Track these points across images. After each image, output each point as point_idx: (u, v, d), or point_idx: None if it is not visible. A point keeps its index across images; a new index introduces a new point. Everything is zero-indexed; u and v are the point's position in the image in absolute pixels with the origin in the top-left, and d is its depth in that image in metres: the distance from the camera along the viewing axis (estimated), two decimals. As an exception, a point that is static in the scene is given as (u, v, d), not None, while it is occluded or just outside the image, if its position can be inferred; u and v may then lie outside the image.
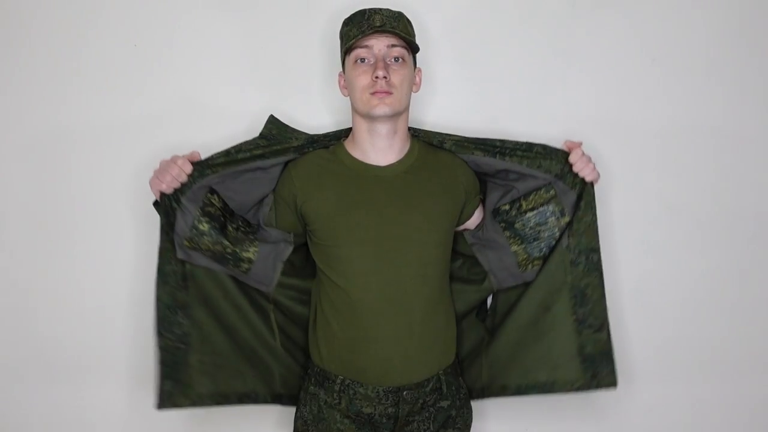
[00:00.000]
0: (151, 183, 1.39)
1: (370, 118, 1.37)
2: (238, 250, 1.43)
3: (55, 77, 1.65)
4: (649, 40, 1.73)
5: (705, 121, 1.76)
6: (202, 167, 1.40)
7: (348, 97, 1.44)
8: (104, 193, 1.67)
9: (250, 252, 1.44)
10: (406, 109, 1.42)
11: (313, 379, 1.45)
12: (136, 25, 1.65)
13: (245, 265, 1.44)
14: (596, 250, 1.48)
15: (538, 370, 1.48)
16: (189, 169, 1.38)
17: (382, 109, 1.34)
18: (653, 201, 1.77)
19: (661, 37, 1.74)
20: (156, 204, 1.42)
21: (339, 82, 1.46)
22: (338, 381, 1.40)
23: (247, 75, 1.68)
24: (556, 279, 1.48)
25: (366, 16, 1.36)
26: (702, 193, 1.77)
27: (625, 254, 1.75)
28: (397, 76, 1.35)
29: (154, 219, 1.43)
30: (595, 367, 1.46)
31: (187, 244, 1.41)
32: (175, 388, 1.40)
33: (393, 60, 1.36)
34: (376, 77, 1.33)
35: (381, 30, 1.33)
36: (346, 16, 1.41)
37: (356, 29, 1.35)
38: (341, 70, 1.45)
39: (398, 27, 1.36)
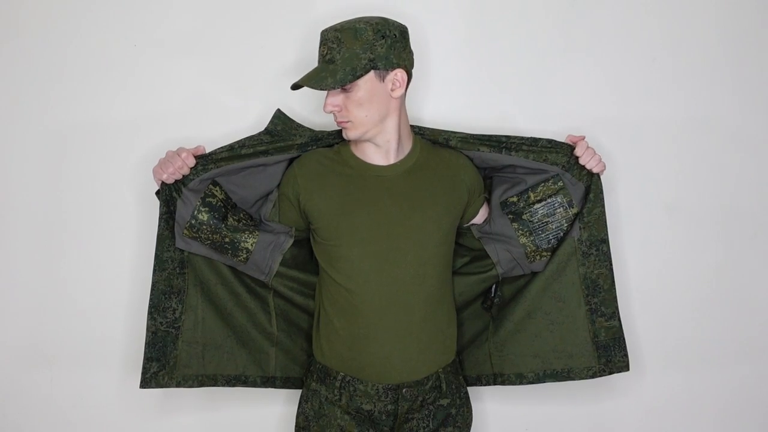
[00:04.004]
0: (154, 171, 1.41)
1: None
2: (236, 240, 1.44)
3: (55, 76, 1.66)
4: (650, 39, 1.72)
5: (706, 120, 1.74)
6: (205, 161, 1.42)
7: None
8: (107, 190, 1.68)
9: (249, 242, 1.45)
10: (386, 118, 1.38)
11: (314, 376, 1.46)
12: (136, 25, 1.66)
13: (243, 255, 1.46)
14: (606, 240, 1.51)
15: (554, 360, 1.52)
16: (192, 162, 1.41)
17: (346, 134, 1.39)
18: (655, 199, 1.76)
19: (662, 36, 1.72)
20: (158, 193, 1.45)
21: None
22: (339, 377, 1.42)
23: (250, 73, 1.68)
24: (567, 271, 1.51)
25: (320, 41, 1.37)
26: (703, 192, 1.77)
27: (629, 251, 1.75)
28: (346, 107, 1.35)
29: (157, 208, 1.45)
30: (608, 354, 1.51)
31: (186, 233, 1.44)
32: (161, 369, 1.45)
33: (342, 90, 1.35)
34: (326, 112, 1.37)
35: (299, 87, 1.36)
36: (351, 11, 1.40)
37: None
38: None
39: (326, 70, 1.32)
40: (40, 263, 1.69)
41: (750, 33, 1.74)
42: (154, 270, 1.44)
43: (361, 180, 1.41)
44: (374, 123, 1.37)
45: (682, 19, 1.72)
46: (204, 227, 1.42)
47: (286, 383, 1.56)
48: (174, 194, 1.42)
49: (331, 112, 1.36)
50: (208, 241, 1.44)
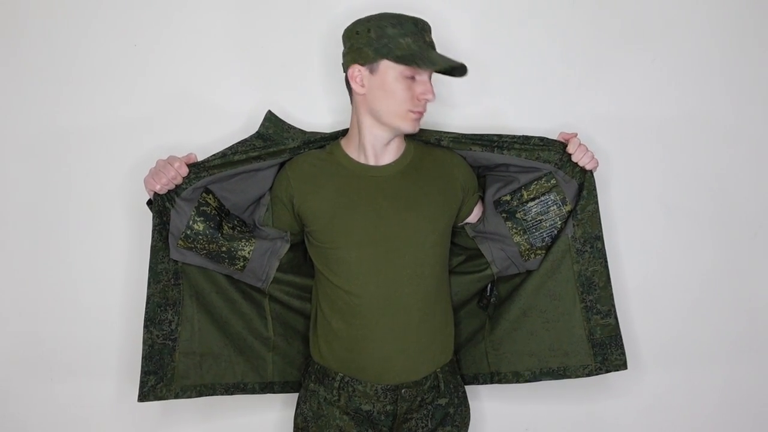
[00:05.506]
0: (146, 182, 1.38)
1: (392, 128, 1.37)
2: (233, 249, 1.43)
3: (52, 77, 1.65)
4: (648, 39, 1.73)
5: (703, 118, 1.75)
6: (198, 169, 1.40)
7: (360, 94, 1.36)
8: (102, 192, 1.68)
9: (246, 250, 1.44)
10: None
11: (313, 377, 1.46)
12: (135, 25, 1.66)
13: (240, 263, 1.45)
14: (600, 237, 1.51)
15: (550, 358, 1.52)
16: (185, 171, 1.38)
17: (414, 127, 1.36)
18: (653, 199, 1.77)
19: (661, 36, 1.73)
20: (149, 203, 1.43)
21: (353, 76, 1.35)
22: (338, 378, 1.41)
23: (247, 75, 1.68)
24: (562, 268, 1.51)
25: (419, 27, 1.32)
26: (702, 191, 1.77)
27: (626, 250, 1.76)
28: None
29: (149, 218, 1.44)
30: (604, 352, 1.51)
31: (181, 243, 1.42)
32: (158, 382, 1.44)
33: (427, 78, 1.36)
34: (426, 99, 1.33)
35: (436, 57, 1.31)
36: (348, 14, 1.38)
37: (412, 41, 1.30)
38: (356, 63, 1.34)
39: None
40: (33, 273, 1.68)
41: (748, 32, 1.74)
42: (149, 282, 1.43)
43: (355, 181, 1.41)
44: None
45: (681, 19, 1.73)
46: (200, 237, 1.41)
47: (284, 387, 1.56)
48: (167, 204, 1.39)
49: (431, 100, 1.35)
50: (204, 251, 1.43)
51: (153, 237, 1.42)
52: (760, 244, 1.79)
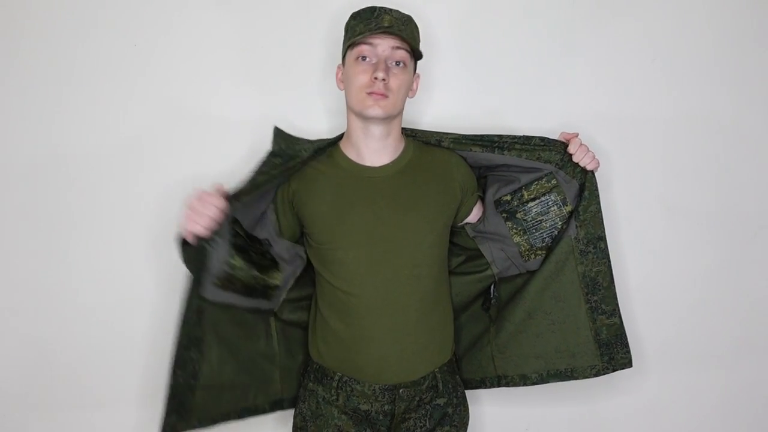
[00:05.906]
0: (186, 227, 1.28)
1: (362, 117, 1.37)
2: (266, 279, 1.41)
3: (51, 79, 1.65)
4: (649, 39, 1.73)
5: (705, 120, 1.75)
6: (230, 201, 1.32)
7: (343, 92, 1.42)
8: (103, 198, 1.67)
9: (278, 279, 1.43)
10: (400, 112, 1.41)
11: (311, 376, 1.46)
12: (136, 26, 1.65)
13: (272, 292, 1.43)
14: (603, 238, 1.49)
15: (556, 360, 1.51)
16: (225, 206, 1.29)
17: (375, 111, 1.33)
18: (654, 199, 1.76)
19: (661, 36, 1.73)
20: (184, 244, 1.31)
21: (336, 75, 1.44)
22: (336, 378, 1.42)
23: (247, 79, 1.68)
24: (566, 270, 1.50)
25: (375, 14, 1.34)
26: (702, 191, 1.77)
27: (628, 249, 1.76)
28: (396, 80, 1.34)
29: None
30: (611, 351, 1.50)
31: (218, 282, 1.35)
32: (179, 419, 1.37)
33: (394, 64, 1.35)
34: (375, 78, 1.32)
35: (388, 31, 1.31)
36: (347, 16, 1.40)
37: (363, 25, 1.33)
38: (340, 63, 1.43)
39: (405, 31, 1.34)
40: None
41: (748, 32, 1.74)
42: (179, 326, 1.33)
43: (354, 181, 1.41)
44: (399, 110, 1.39)
45: (682, 19, 1.73)
46: (240, 272, 1.35)
47: (292, 403, 1.52)
48: (204, 244, 1.29)
49: (383, 78, 1.31)
50: (241, 286, 1.37)
51: (190, 280, 1.31)
52: (760, 244, 1.79)
